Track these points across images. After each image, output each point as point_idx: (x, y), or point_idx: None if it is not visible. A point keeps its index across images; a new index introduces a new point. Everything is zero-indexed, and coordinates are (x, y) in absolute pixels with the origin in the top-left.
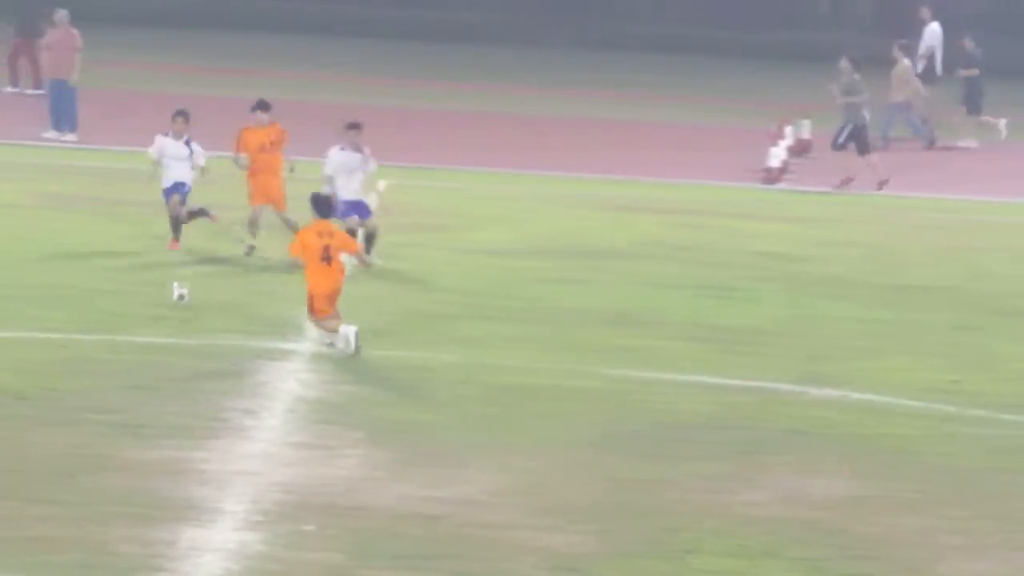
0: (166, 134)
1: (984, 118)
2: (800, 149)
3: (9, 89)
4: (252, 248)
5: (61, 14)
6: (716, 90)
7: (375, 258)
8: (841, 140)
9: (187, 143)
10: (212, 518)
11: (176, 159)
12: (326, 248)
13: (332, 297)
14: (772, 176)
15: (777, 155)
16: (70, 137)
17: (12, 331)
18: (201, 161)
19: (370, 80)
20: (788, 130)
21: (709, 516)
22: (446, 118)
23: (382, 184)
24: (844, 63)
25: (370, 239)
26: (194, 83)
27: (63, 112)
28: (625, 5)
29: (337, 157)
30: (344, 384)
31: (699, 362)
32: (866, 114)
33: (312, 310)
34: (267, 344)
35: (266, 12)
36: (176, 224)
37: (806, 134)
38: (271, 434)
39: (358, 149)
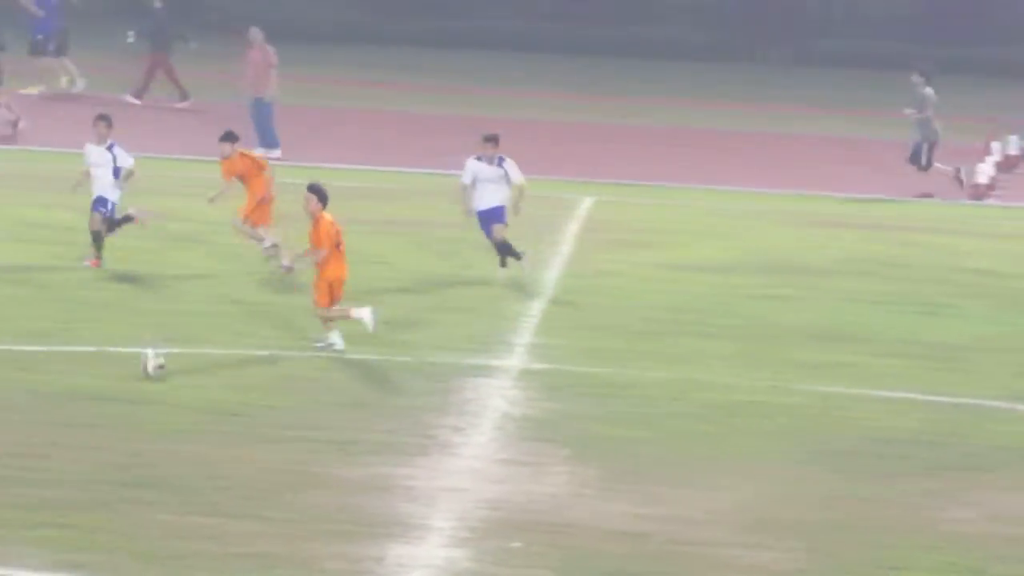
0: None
1: None
2: (1008, 165)
3: (130, 99)
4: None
5: (255, 32)
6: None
7: (526, 263)
8: (925, 162)
9: (109, 148)
10: (420, 535)
11: (99, 166)
12: (338, 233)
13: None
14: (979, 192)
15: (984, 171)
16: (275, 154)
17: (223, 348)
18: (127, 163)
19: (574, 97)
20: (995, 146)
21: (917, 533)
22: (650, 134)
23: (586, 201)
24: (916, 77)
25: (507, 249)
26: (387, 99)
27: (264, 129)
28: (842, 22)
29: (472, 166)
30: (551, 401)
31: (906, 379)
32: (938, 128)
33: (333, 298)
34: (473, 361)
35: (462, 30)
36: (97, 239)
37: (1014, 150)
38: (478, 451)
39: (493, 161)
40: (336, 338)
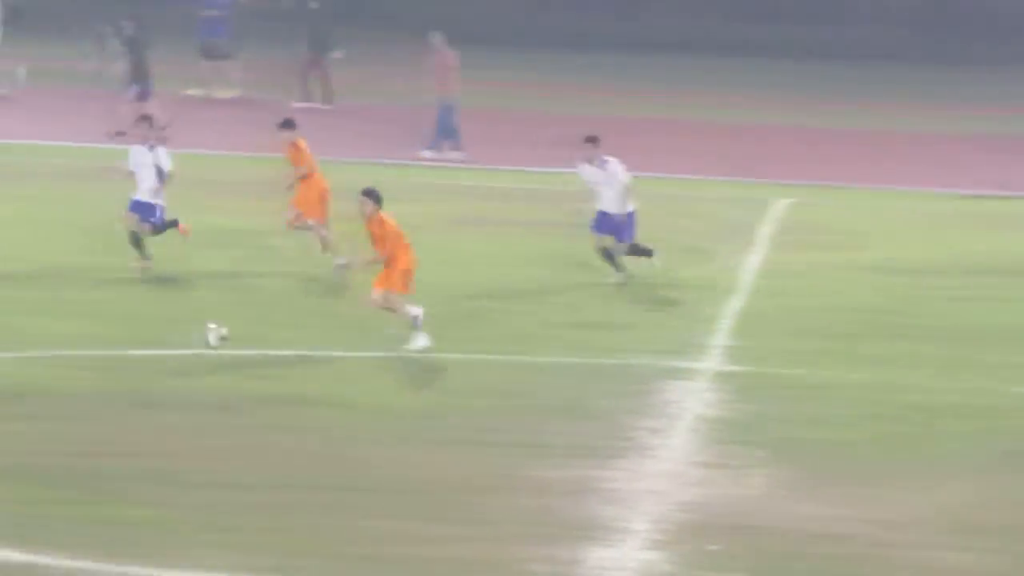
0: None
1: None
2: None
3: (299, 104)
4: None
5: (436, 36)
6: None
7: (657, 262)
8: None
9: (151, 149)
10: (618, 537)
11: (143, 166)
12: (395, 232)
13: None
14: None
15: None
16: (457, 155)
17: (433, 352)
18: (165, 166)
19: (758, 98)
20: None
21: None
22: (844, 135)
23: (781, 203)
24: None
25: (636, 251)
26: (562, 103)
27: (448, 131)
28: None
29: (582, 169)
30: (747, 403)
31: None
32: None
33: (404, 287)
34: (670, 363)
35: (655, 32)
36: (136, 241)
37: None
38: (675, 453)
39: (594, 162)
40: (423, 340)
